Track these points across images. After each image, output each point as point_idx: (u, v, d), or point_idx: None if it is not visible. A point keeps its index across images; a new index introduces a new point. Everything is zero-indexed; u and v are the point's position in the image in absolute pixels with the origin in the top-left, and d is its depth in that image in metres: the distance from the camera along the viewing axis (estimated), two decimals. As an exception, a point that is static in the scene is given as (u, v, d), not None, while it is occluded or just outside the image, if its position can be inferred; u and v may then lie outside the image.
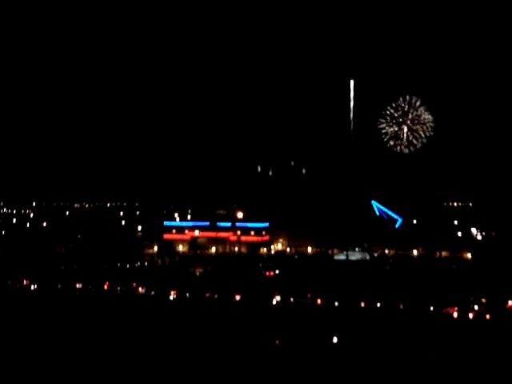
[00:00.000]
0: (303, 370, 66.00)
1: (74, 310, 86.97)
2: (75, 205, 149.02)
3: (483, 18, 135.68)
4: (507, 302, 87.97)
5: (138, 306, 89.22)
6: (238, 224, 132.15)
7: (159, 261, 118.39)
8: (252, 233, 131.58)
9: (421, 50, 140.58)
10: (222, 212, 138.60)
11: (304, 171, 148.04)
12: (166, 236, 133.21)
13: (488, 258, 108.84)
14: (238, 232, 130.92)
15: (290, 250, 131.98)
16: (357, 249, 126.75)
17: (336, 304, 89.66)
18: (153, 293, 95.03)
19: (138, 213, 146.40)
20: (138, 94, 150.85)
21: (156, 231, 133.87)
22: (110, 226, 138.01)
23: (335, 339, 74.04)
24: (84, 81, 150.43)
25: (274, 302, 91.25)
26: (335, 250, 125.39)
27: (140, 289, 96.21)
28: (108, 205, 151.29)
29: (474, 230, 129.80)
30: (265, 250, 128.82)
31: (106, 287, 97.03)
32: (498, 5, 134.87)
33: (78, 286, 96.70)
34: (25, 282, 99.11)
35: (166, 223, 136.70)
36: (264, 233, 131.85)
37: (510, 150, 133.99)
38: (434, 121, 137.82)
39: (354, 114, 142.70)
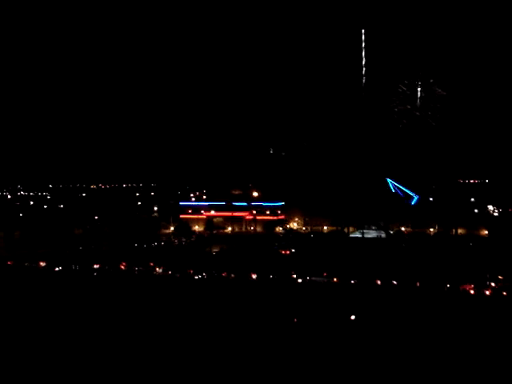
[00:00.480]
0: (322, 348, 66.38)
1: (91, 290, 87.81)
2: (92, 186, 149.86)
3: None
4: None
5: (155, 286, 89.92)
6: (253, 203, 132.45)
7: (176, 241, 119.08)
8: (267, 212, 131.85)
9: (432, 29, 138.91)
10: (237, 192, 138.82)
11: (318, 150, 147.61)
12: (182, 216, 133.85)
13: (505, 235, 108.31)
14: (254, 211, 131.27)
15: (306, 228, 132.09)
16: (373, 227, 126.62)
17: (352, 282, 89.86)
18: (170, 272, 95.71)
19: (154, 193, 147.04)
20: (156, 80, 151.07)
21: (172, 211, 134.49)
22: (127, 207, 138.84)
23: (353, 317, 74.30)
24: (101, 73, 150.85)
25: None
26: (351, 228, 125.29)
27: (157, 269, 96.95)
28: (124, 186, 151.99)
29: (490, 207, 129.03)
30: (280, 228, 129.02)
31: (123, 267, 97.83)
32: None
33: (95, 266, 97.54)
34: (43, 264, 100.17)
35: (181, 203, 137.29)
36: (279, 212, 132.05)
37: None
38: (447, 96, 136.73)
39: (365, 92, 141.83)
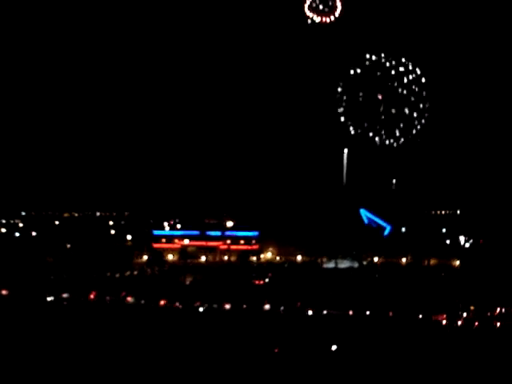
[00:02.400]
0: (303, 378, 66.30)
1: (60, 320, 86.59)
2: (64, 214, 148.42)
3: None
4: (495, 309, 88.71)
5: (126, 315, 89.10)
6: (227, 233, 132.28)
7: (149, 270, 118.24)
8: (242, 241, 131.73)
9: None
10: (211, 221, 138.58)
11: (293, 180, 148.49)
12: (156, 245, 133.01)
13: (476, 266, 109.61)
14: (228, 241, 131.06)
15: (280, 258, 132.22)
16: (346, 257, 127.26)
17: (325, 312, 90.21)
18: (142, 302, 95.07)
19: (127, 222, 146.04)
20: (124, 105, 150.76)
21: (145, 240, 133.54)
22: (100, 236, 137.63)
23: (334, 347, 74.42)
24: (66, 93, 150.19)
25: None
26: (324, 259, 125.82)
27: (129, 298, 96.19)
28: (97, 214, 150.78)
29: (461, 238, 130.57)
30: (255, 258, 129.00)
31: (93, 297, 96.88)
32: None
33: (65, 295, 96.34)
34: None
35: (155, 232, 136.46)
36: (254, 241, 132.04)
37: (496, 157, 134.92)
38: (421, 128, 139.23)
39: (341, 124, 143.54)
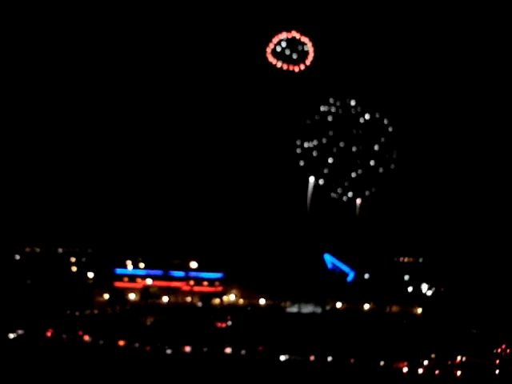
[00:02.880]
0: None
1: (11, 357, 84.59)
2: (26, 249, 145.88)
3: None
4: (456, 358, 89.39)
5: (82, 354, 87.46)
6: (191, 274, 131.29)
7: (109, 309, 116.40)
8: (205, 283, 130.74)
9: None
10: (175, 261, 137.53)
11: (258, 223, 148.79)
12: (118, 284, 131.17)
13: (437, 314, 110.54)
14: (191, 282, 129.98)
15: (243, 301, 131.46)
16: (309, 302, 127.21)
17: (286, 357, 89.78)
18: (101, 342, 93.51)
19: (89, 259, 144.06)
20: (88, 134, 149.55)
21: (107, 279, 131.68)
22: (61, 272, 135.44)
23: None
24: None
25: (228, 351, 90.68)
26: (287, 303, 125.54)
27: (86, 337, 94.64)
28: (60, 250, 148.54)
29: (424, 286, 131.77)
30: (218, 300, 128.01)
31: (49, 334, 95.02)
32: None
33: (20, 332, 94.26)
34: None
35: (117, 271, 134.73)
36: (217, 283, 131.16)
37: (460, 205, 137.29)
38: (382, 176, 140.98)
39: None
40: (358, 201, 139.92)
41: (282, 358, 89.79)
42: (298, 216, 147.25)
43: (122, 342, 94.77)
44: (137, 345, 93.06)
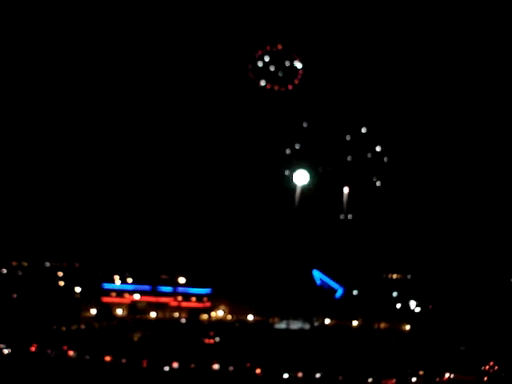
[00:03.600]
0: None
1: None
2: (12, 263, 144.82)
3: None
4: (444, 375, 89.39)
5: (67, 370, 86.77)
6: (179, 289, 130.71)
7: (96, 324, 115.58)
8: (193, 299, 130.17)
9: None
10: (163, 276, 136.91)
11: (247, 238, 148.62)
12: (105, 299, 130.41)
13: (425, 331, 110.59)
14: (179, 297, 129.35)
15: (232, 317, 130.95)
16: (298, 318, 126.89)
17: (274, 373, 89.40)
18: (87, 357, 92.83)
19: (76, 274, 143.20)
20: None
21: (94, 293, 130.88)
22: (48, 287, 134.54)
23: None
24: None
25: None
26: (276, 319, 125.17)
27: (71, 352, 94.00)
28: (47, 264, 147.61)
29: (412, 302, 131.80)
30: (206, 316, 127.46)
31: (33, 349, 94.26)
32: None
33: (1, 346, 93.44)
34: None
35: (105, 286, 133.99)
36: (205, 299, 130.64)
37: (449, 222, 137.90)
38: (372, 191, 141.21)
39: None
40: (346, 190, 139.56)
41: (270, 374, 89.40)
42: (287, 231, 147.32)
43: (108, 358, 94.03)
44: (124, 360, 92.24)
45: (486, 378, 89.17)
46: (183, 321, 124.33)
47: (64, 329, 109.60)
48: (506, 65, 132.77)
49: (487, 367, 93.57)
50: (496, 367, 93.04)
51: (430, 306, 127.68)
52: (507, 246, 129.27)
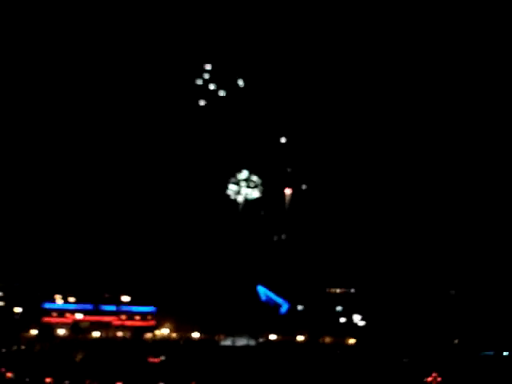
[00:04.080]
0: None
1: None
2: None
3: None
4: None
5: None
6: (122, 308, 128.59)
7: (38, 345, 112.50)
8: (137, 317, 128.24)
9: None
10: (106, 295, 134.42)
11: (190, 255, 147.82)
12: (46, 319, 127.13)
13: (370, 344, 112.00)
14: (123, 316, 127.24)
15: (176, 335, 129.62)
16: (243, 334, 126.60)
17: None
18: (27, 379, 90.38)
19: (15, 293, 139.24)
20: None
21: (35, 314, 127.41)
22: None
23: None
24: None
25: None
26: (221, 336, 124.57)
27: (9, 374, 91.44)
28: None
29: (356, 316, 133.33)
30: (150, 335, 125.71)
31: None
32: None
33: None
34: None
35: (45, 305, 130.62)
36: (150, 317, 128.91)
37: (390, 234, 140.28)
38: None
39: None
40: (288, 191, 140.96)
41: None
42: (231, 248, 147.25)
43: (48, 380, 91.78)
44: (66, 382, 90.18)
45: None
46: (127, 340, 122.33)
47: (4, 350, 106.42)
48: (504, 64, 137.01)
49: (430, 378, 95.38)
50: (439, 378, 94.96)
51: (375, 319, 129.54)
52: (447, 257, 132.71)
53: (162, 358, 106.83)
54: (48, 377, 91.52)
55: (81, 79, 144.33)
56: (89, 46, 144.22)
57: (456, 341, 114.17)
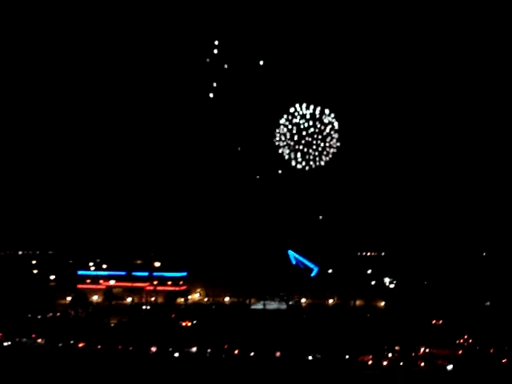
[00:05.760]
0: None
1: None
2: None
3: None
4: (419, 349, 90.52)
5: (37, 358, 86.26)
6: (154, 273, 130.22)
7: (72, 312, 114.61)
8: (169, 282, 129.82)
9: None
10: (138, 261, 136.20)
11: (221, 221, 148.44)
12: (80, 286, 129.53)
13: (400, 307, 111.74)
14: (155, 282, 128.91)
15: (208, 299, 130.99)
16: (274, 298, 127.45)
17: (252, 354, 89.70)
18: (60, 344, 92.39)
19: (50, 261, 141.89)
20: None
21: (69, 281, 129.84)
22: (22, 275, 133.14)
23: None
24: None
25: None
26: (252, 300, 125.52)
27: (39, 340, 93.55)
28: (20, 253, 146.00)
29: (386, 279, 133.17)
30: (182, 299, 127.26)
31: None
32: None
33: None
34: None
35: (79, 272, 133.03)
36: (181, 282, 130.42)
37: (420, 201, 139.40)
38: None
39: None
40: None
41: (248, 355, 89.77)
42: (261, 212, 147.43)
43: (81, 344, 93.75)
44: (99, 347, 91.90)
45: (460, 352, 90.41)
46: (160, 304, 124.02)
47: (40, 317, 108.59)
48: (503, 64, 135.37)
49: (461, 340, 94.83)
50: (470, 340, 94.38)
51: (406, 283, 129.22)
52: (477, 223, 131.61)
53: (194, 322, 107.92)
54: (81, 342, 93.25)
55: (87, 77, 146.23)
56: (94, 42, 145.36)
57: (488, 303, 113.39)
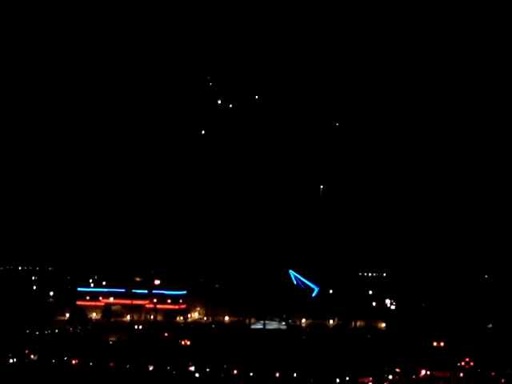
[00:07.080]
0: None
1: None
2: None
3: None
4: (420, 371, 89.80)
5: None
6: (154, 291, 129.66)
7: (71, 328, 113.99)
8: (169, 300, 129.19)
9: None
10: (138, 279, 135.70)
11: (222, 240, 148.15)
12: (79, 302, 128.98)
13: (401, 328, 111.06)
14: (155, 299, 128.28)
15: (207, 318, 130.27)
16: (274, 318, 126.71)
17: (251, 374, 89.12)
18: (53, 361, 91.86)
19: (50, 277, 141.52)
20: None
21: (68, 297, 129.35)
22: (20, 291, 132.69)
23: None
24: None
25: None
26: (252, 319, 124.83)
27: (32, 356, 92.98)
28: (19, 268, 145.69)
29: (387, 300, 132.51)
30: (181, 318, 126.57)
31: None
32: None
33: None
34: None
35: (79, 289, 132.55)
36: (181, 301, 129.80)
37: (420, 221, 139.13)
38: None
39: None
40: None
41: (249, 374, 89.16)
42: (264, 232, 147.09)
43: (74, 361, 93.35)
44: (99, 363, 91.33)
45: (461, 374, 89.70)
46: (159, 323, 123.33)
47: (38, 333, 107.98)
48: (502, 63, 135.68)
49: (463, 363, 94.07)
50: (472, 363, 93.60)
51: (406, 304, 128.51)
52: (479, 244, 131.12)
53: (194, 340, 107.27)
54: (75, 359, 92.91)
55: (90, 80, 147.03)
56: (96, 48, 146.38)
57: (490, 325, 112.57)
